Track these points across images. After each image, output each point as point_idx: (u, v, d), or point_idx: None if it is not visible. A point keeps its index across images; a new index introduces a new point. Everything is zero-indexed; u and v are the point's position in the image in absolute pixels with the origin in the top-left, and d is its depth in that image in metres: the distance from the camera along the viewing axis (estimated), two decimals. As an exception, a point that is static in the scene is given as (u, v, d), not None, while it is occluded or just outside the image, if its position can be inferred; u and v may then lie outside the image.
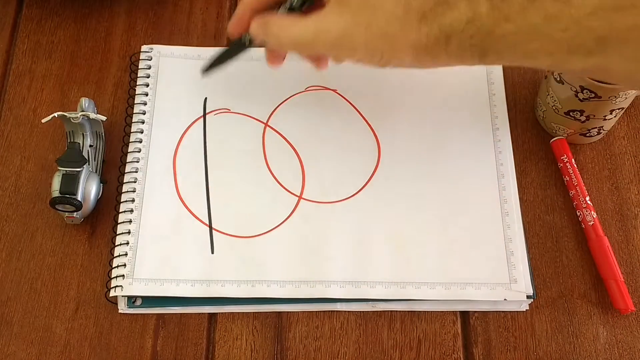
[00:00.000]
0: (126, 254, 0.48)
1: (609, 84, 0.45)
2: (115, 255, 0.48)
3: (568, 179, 0.51)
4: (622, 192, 0.52)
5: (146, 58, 0.55)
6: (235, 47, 0.47)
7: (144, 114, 0.53)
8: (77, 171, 0.48)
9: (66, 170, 0.48)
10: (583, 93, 0.47)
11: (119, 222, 0.49)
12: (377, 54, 0.40)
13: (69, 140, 0.51)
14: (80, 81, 0.55)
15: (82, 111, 0.50)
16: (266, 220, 0.49)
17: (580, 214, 0.50)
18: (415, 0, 0.37)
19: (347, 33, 0.39)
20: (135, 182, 0.50)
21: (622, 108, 0.49)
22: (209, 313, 0.47)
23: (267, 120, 0.53)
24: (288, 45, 0.43)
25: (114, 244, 0.48)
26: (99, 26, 0.58)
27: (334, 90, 0.55)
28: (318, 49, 0.42)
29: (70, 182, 0.47)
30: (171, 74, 0.55)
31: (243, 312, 0.47)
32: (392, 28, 0.38)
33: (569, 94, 0.48)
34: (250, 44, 0.45)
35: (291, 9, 0.43)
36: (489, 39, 0.36)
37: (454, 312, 0.48)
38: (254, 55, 0.55)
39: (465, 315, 0.48)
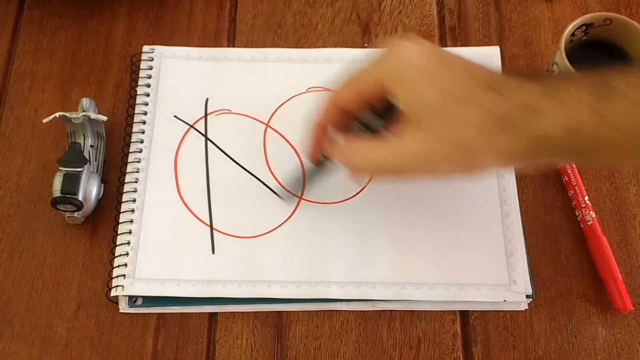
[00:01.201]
0: (127, 254, 0.48)
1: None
2: (116, 255, 0.48)
3: (567, 179, 0.52)
4: (620, 192, 0.52)
5: (147, 59, 0.55)
6: (322, 169, 0.47)
7: (145, 114, 0.53)
8: (78, 171, 0.48)
9: (67, 171, 0.48)
10: (582, 94, 0.47)
11: (120, 222, 0.49)
12: (461, 167, 0.39)
13: (70, 141, 0.51)
14: (81, 81, 0.56)
15: (83, 111, 0.50)
16: (267, 220, 0.49)
17: (579, 214, 0.50)
18: (492, 105, 0.36)
19: (430, 154, 0.38)
20: (136, 182, 0.50)
21: (621, 109, 0.49)
22: (210, 312, 0.48)
23: (268, 121, 0.53)
24: (370, 172, 0.44)
25: (115, 243, 0.48)
26: (100, 27, 0.58)
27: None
28: (404, 175, 0.41)
29: (71, 182, 0.47)
30: (172, 74, 0.55)
31: (243, 312, 0.47)
32: (474, 139, 0.37)
33: (568, 94, 0.48)
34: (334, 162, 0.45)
35: (366, 126, 0.42)
36: (592, 143, 0.35)
37: (454, 312, 0.48)
38: (255, 56, 0.56)
39: (464, 314, 0.48)
